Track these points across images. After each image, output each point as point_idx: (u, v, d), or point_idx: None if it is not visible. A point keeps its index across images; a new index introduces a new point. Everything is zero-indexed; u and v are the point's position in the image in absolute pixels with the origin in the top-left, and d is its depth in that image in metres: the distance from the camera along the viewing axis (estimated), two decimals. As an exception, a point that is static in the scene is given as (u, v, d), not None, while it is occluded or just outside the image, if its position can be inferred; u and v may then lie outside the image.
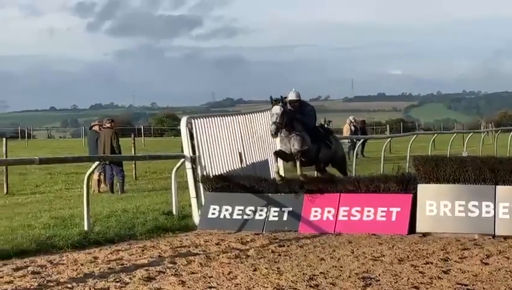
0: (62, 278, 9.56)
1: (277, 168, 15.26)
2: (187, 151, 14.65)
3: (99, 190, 20.82)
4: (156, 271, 9.93)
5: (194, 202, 14.55)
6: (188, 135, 14.72)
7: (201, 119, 15.22)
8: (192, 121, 14.93)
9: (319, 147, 14.54)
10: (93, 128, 22.01)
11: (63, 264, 10.55)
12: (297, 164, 13.98)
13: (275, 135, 13.93)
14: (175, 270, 10.01)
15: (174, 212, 14.71)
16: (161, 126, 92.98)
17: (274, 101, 13.88)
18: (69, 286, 9.07)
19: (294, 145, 13.92)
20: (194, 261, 10.68)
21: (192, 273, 9.84)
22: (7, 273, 9.82)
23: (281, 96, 13.98)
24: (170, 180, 15.47)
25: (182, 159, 14.78)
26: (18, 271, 9.96)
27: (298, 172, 13.99)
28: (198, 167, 14.67)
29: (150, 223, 13.79)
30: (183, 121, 14.98)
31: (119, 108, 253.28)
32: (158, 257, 11.15)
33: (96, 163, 14.35)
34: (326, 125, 34.29)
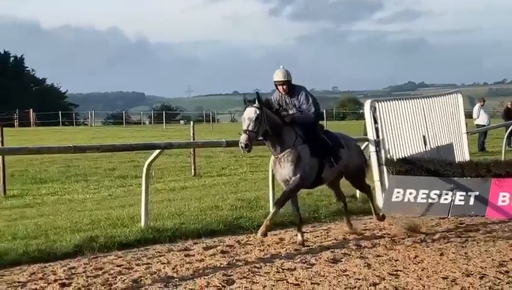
0: (250, 258, 9.84)
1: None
2: (371, 134, 14.60)
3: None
4: (341, 253, 10.02)
5: (377, 185, 14.48)
6: (372, 119, 14.68)
7: (385, 103, 15.13)
8: (376, 104, 14.88)
9: (322, 164, 10.96)
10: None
11: (250, 244, 10.83)
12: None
13: (245, 148, 10.09)
14: (360, 253, 10.06)
15: (357, 196, 14.70)
16: (343, 110, 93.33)
17: (248, 102, 10.41)
18: (257, 265, 9.32)
19: (286, 169, 10.69)
20: (379, 244, 10.69)
21: (378, 256, 9.86)
22: (198, 252, 10.22)
23: (258, 94, 10.50)
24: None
25: (366, 143, 14.75)
26: (208, 250, 10.34)
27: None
28: (382, 150, 14.60)
29: (333, 206, 13.85)
30: (367, 104, 14.98)
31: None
32: (343, 239, 11.23)
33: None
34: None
